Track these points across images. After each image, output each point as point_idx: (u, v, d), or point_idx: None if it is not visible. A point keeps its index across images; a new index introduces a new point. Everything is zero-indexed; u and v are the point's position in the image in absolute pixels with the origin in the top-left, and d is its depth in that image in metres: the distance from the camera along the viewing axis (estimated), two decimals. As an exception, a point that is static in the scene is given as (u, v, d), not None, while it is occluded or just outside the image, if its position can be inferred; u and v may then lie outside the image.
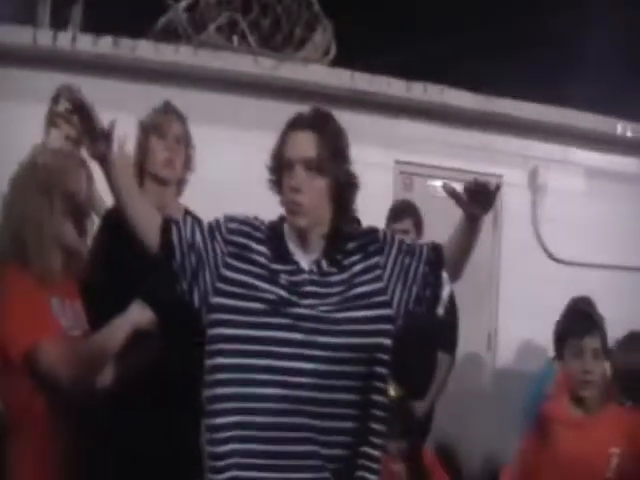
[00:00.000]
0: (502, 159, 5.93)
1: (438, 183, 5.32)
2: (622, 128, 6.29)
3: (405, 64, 6.19)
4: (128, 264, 2.33)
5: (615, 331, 3.54)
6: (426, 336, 3.91)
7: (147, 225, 2.03)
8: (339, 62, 5.96)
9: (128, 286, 2.28)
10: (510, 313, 5.83)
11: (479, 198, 1.99)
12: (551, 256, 6.02)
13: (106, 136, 1.92)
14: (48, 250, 2.15)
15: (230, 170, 5.04)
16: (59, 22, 6.60)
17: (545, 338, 3.84)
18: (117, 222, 2.19)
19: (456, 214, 2.15)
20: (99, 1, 6.28)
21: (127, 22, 5.60)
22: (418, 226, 4.03)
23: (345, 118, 2.18)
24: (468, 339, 5.47)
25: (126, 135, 2.71)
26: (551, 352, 3.68)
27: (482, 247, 6.05)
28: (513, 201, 5.97)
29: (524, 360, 5.68)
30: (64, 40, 5.57)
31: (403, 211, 4.05)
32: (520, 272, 5.83)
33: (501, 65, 6.41)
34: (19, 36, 5.61)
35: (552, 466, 2.59)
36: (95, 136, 1.90)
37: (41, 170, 2.20)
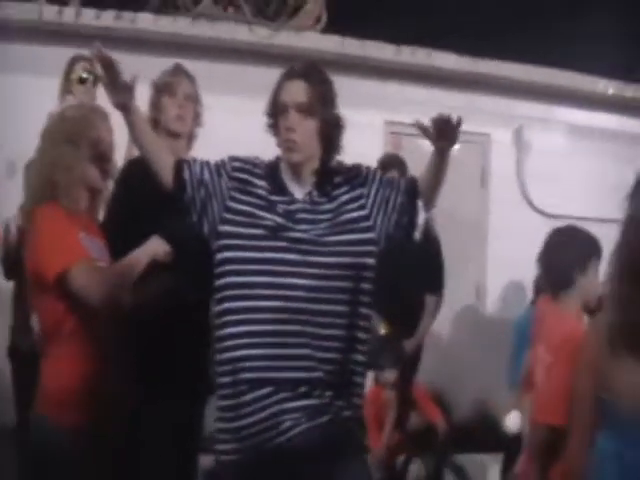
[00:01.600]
0: (488, 119, 6.21)
1: (426, 142, 5.61)
2: (604, 86, 6.57)
3: (394, 30, 6.45)
4: (144, 205, 2.66)
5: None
6: (413, 277, 4.28)
7: (162, 164, 2.35)
8: (330, 29, 6.25)
9: (143, 223, 2.62)
10: (498, 265, 6.16)
11: (445, 132, 2.31)
12: (536, 210, 6.33)
13: (129, 87, 2.24)
14: (76, 190, 2.49)
15: (230, 132, 5.32)
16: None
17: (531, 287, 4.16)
18: (136, 171, 2.52)
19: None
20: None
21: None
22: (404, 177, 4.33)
23: (337, 82, 2.47)
24: (459, 290, 5.83)
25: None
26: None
27: (471, 203, 6.42)
28: (499, 159, 6.30)
29: (511, 309, 6.01)
30: (69, 15, 5.84)
31: (389, 164, 4.37)
32: (507, 226, 6.15)
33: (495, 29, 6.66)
34: (26, 12, 5.89)
35: None
36: (119, 87, 2.22)
37: (69, 122, 2.53)
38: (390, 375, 4.26)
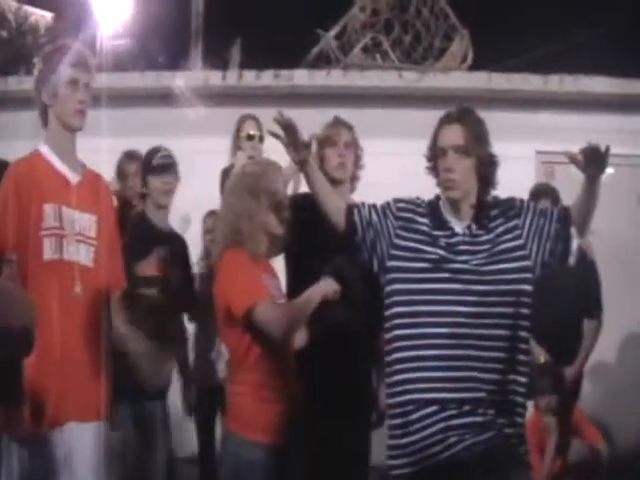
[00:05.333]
0: (642, 139, 6.14)
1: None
2: None
3: (540, 61, 6.54)
4: (315, 239, 2.97)
5: None
6: (570, 304, 4.36)
7: (335, 209, 2.66)
8: (478, 67, 6.44)
9: (317, 255, 2.93)
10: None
11: (593, 160, 2.46)
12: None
13: (307, 145, 2.58)
14: (258, 236, 2.82)
15: (385, 174, 5.57)
16: (213, 62, 7.46)
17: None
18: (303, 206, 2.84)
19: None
20: (256, 39, 7.09)
21: (286, 55, 6.32)
22: (556, 206, 4.41)
23: (487, 116, 2.67)
24: (622, 315, 5.75)
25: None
26: None
27: (630, 225, 6.29)
28: (658, 179, 6.21)
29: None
30: (231, 78, 6.38)
31: (542, 192, 4.48)
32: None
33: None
34: (193, 80, 6.49)
35: None
36: (298, 146, 2.56)
37: (250, 176, 2.90)
38: (550, 401, 4.34)
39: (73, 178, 2.83)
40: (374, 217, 2.65)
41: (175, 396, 4.36)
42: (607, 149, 2.47)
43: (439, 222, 2.61)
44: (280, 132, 2.60)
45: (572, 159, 2.50)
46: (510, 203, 2.65)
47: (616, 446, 5.39)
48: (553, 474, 4.38)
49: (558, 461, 4.42)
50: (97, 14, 9.32)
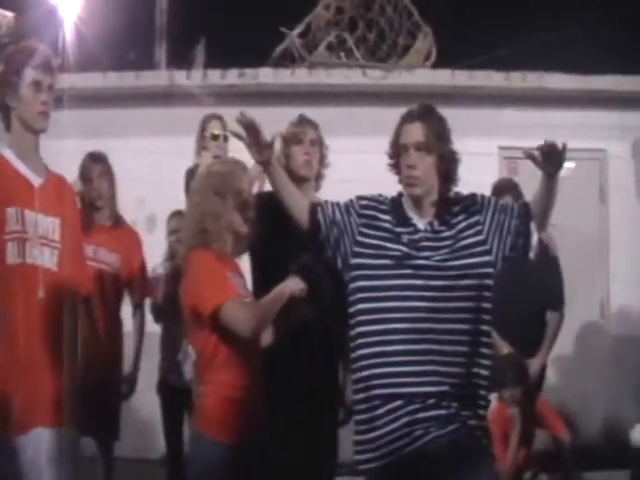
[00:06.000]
0: (603, 134, 6.23)
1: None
2: None
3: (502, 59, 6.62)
4: (281, 238, 2.98)
5: None
6: (533, 296, 4.42)
7: (298, 208, 2.68)
8: (441, 65, 6.49)
9: (283, 254, 2.93)
10: (621, 280, 6.14)
11: (551, 157, 2.51)
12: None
13: (269, 145, 2.59)
14: (224, 235, 2.83)
15: (350, 172, 5.59)
16: (176, 62, 7.43)
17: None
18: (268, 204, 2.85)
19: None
20: (221, 39, 7.08)
21: (250, 53, 6.33)
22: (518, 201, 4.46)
23: (450, 113, 2.71)
24: (582, 308, 5.86)
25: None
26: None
27: (591, 220, 6.42)
28: (617, 173, 6.30)
29: (636, 325, 5.97)
30: (196, 77, 6.36)
31: (504, 188, 4.51)
32: (628, 240, 6.12)
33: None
34: (157, 79, 6.47)
35: None
36: (260, 146, 2.57)
37: (215, 176, 2.90)
38: (514, 393, 4.40)
39: (36, 181, 2.81)
40: (337, 215, 2.68)
41: (141, 398, 4.38)
42: (564, 146, 2.52)
43: (402, 219, 2.64)
44: (242, 132, 2.61)
45: (530, 156, 2.54)
46: (471, 199, 2.69)
47: (579, 435, 5.48)
48: (517, 464, 4.43)
49: (522, 451, 4.48)
50: (60, 14, 9.23)
